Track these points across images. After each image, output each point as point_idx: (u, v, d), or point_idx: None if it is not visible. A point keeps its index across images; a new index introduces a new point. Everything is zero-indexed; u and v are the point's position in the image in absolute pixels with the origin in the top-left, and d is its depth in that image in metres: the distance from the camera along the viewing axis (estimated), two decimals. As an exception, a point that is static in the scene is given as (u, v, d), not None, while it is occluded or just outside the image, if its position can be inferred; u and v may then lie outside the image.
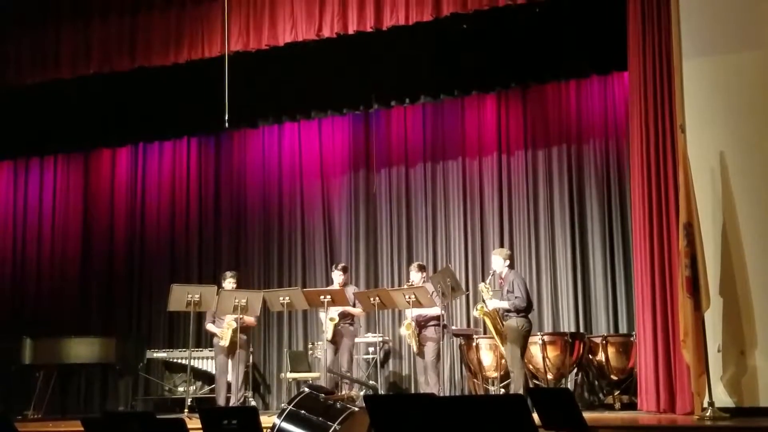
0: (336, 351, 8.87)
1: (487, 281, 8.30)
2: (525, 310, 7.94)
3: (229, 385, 8.97)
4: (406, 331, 8.59)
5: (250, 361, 10.24)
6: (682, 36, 7.28)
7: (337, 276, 9.06)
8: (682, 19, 7.29)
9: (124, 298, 11.54)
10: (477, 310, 8.18)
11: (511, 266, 8.33)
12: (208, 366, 10.07)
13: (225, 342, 8.74)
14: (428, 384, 8.46)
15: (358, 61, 9.51)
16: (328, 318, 8.68)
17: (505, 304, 7.92)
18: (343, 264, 9.47)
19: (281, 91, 10.12)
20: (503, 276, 8.14)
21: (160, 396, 10.76)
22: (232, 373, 8.93)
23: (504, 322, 7.99)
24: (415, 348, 8.59)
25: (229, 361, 8.91)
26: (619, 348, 8.52)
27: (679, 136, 7.06)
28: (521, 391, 7.58)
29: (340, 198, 11.05)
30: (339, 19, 8.49)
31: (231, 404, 8.61)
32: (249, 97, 9.62)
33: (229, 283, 9.03)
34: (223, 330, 8.76)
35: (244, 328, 8.82)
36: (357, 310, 8.90)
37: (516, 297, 7.87)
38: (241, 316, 8.61)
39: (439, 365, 8.58)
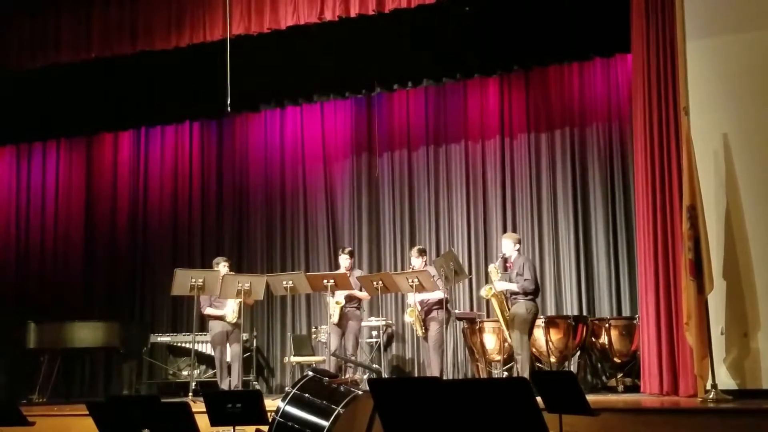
0: (342, 335, 8.89)
1: (497, 263, 8.31)
2: (533, 293, 7.95)
3: (228, 368, 9.01)
4: (410, 317, 8.61)
5: (253, 345, 10.29)
6: (685, 17, 7.25)
7: (344, 260, 9.08)
8: (685, 0, 7.25)
9: (128, 283, 11.56)
10: (485, 290, 8.18)
11: (520, 251, 8.31)
12: (212, 350, 10.09)
13: (234, 317, 8.79)
14: (431, 365, 8.47)
15: (360, 44, 9.47)
16: (335, 301, 8.70)
17: (513, 287, 7.93)
18: (350, 248, 9.50)
19: (283, 74, 10.08)
20: (512, 260, 8.14)
21: (164, 380, 10.80)
22: (231, 358, 8.97)
23: (510, 306, 8.00)
24: (420, 333, 8.60)
25: (227, 347, 8.95)
26: (622, 331, 8.53)
27: (683, 119, 7.04)
28: (528, 375, 7.60)
29: (342, 182, 11.03)
30: (341, 2, 8.46)
31: (232, 388, 8.65)
32: (251, 80, 9.59)
33: (223, 268, 9.02)
34: (231, 309, 8.79)
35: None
36: (364, 294, 8.91)
37: (525, 279, 7.88)
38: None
39: (442, 348, 8.58)
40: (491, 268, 8.29)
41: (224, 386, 8.83)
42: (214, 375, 9.33)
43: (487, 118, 10.41)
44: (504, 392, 3.43)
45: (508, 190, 10.19)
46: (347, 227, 10.91)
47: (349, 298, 8.88)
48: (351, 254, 9.20)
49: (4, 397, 9.53)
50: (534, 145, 10.13)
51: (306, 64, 9.86)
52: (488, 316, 9.27)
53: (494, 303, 8.13)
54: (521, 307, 7.89)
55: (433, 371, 8.40)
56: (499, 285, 8.04)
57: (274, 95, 10.44)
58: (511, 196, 10.17)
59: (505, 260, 8.27)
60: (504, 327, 8.09)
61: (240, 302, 8.74)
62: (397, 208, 10.74)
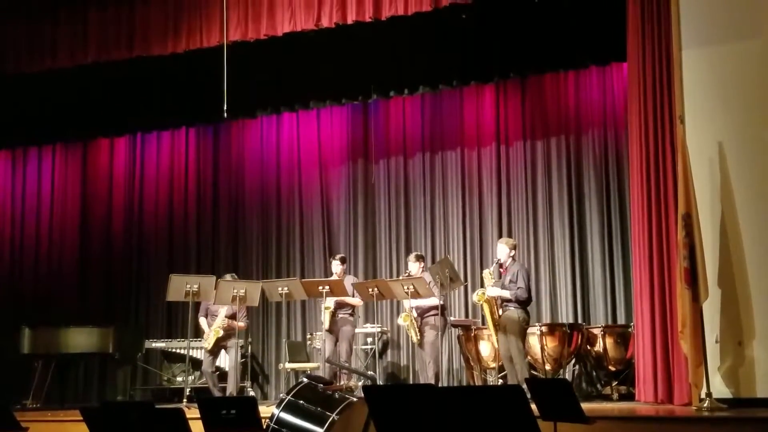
0: (335, 341, 8.87)
1: (491, 268, 8.30)
2: (526, 302, 7.94)
3: (219, 373, 8.98)
4: (404, 322, 8.60)
5: (248, 351, 10.28)
6: (681, 26, 7.26)
7: (336, 266, 9.07)
8: (681, 9, 7.27)
9: (123, 288, 11.55)
10: (477, 295, 8.16)
11: (515, 257, 8.31)
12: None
13: (208, 346, 8.77)
14: (427, 372, 8.45)
15: (356, 51, 9.50)
16: (324, 307, 8.70)
17: (506, 293, 7.92)
18: (341, 255, 9.49)
19: (280, 81, 10.11)
20: (506, 266, 8.13)
21: (159, 386, 10.78)
22: (226, 363, 8.97)
23: (501, 312, 8.00)
24: (414, 338, 8.59)
25: (219, 354, 8.94)
26: (617, 339, 8.53)
27: (678, 127, 7.05)
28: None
29: (338, 188, 11.04)
30: (338, 9, 8.48)
31: (227, 394, 8.63)
32: (247, 87, 9.62)
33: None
34: (208, 333, 8.78)
35: (230, 330, 8.81)
36: (356, 301, 8.90)
37: (519, 287, 7.86)
38: (229, 322, 8.71)
39: (439, 353, 8.55)
40: (485, 273, 8.29)
41: (216, 393, 8.79)
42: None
43: (483, 126, 10.43)
44: (499, 400, 3.43)
45: (504, 197, 10.20)
46: (343, 233, 10.91)
47: (341, 304, 8.86)
48: (343, 261, 9.19)
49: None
50: (530, 153, 10.14)
51: (302, 70, 9.88)
52: (483, 323, 9.27)
53: (485, 308, 8.13)
54: (513, 314, 7.88)
55: (429, 378, 8.39)
56: (491, 291, 8.04)
57: (271, 101, 10.45)
58: (506, 203, 10.19)
59: (501, 265, 8.27)
60: (492, 332, 8.09)
61: (219, 337, 8.72)
62: (392, 215, 10.75)
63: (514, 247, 8.30)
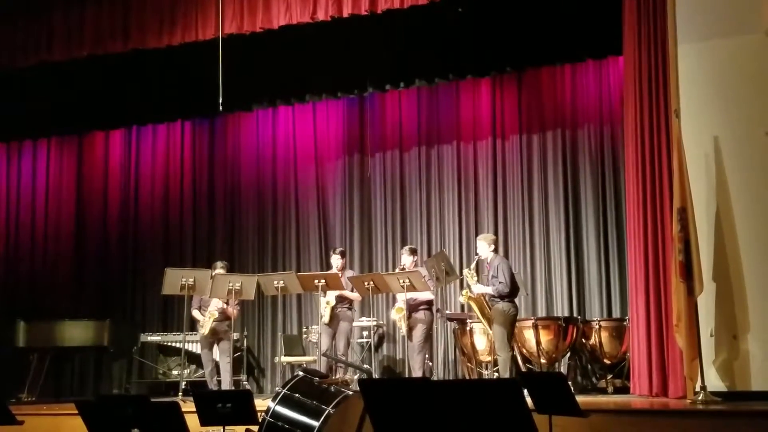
0: (333, 335, 8.88)
1: (471, 267, 8.34)
2: (509, 295, 7.95)
3: (217, 367, 8.99)
4: (397, 314, 8.61)
5: (244, 345, 10.27)
6: (677, 20, 7.27)
7: (336, 260, 9.08)
8: (677, 3, 7.28)
9: (118, 282, 11.53)
10: (462, 295, 8.21)
11: (496, 251, 8.33)
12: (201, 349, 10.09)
13: (205, 331, 8.78)
14: (413, 367, 8.45)
15: (352, 44, 9.48)
16: (325, 301, 8.70)
17: (489, 290, 7.96)
18: (341, 248, 9.49)
19: (275, 74, 10.07)
20: (489, 261, 8.16)
21: (154, 379, 10.77)
22: (220, 359, 8.97)
23: (491, 306, 8.02)
24: (404, 331, 8.59)
25: (214, 348, 8.96)
26: (613, 332, 8.55)
27: (674, 121, 7.06)
28: (509, 375, 7.64)
29: (334, 182, 11.03)
30: (334, 2, 8.47)
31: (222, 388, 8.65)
32: (243, 80, 9.59)
33: (220, 271, 9.01)
34: (204, 320, 8.79)
35: (226, 317, 8.84)
36: (355, 295, 8.90)
37: (500, 282, 7.90)
38: (224, 306, 8.70)
39: (426, 348, 8.55)
40: (465, 272, 8.32)
41: (212, 386, 8.80)
42: (204, 375, 9.31)
43: (479, 119, 10.42)
44: (494, 393, 3.44)
45: (500, 191, 10.21)
46: (339, 227, 10.91)
47: (341, 299, 8.88)
48: (342, 254, 9.20)
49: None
50: (526, 147, 10.14)
51: (298, 63, 9.86)
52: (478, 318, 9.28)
53: (473, 306, 8.16)
54: (500, 307, 7.92)
55: (415, 372, 8.39)
56: (476, 288, 8.08)
57: (267, 95, 10.42)
58: (502, 197, 10.19)
59: (486, 261, 8.28)
60: (487, 328, 8.12)
61: (215, 318, 8.74)
62: (388, 209, 10.74)
63: (494, 242, 8.31)
